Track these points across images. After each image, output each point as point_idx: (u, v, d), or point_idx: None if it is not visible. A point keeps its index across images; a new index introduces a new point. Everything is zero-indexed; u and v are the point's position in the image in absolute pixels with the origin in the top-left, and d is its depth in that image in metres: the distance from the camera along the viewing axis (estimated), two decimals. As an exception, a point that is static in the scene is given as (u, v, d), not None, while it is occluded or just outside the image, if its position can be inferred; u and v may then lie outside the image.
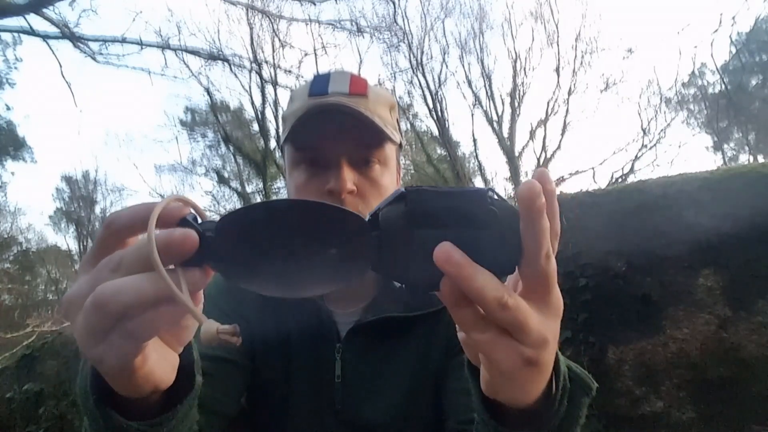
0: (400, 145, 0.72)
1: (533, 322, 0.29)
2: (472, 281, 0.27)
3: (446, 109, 10.78)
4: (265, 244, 0.28)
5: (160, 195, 14.47)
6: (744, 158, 12.42)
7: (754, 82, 11.64)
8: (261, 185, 11.60)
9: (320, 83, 0.64)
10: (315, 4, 8.59)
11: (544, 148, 11.29)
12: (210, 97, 11.37)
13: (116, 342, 0.28)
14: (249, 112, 11.84)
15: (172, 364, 0.33)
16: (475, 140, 11.49)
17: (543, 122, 11.36)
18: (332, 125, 0.61)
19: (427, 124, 11.82)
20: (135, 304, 0.27)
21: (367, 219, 0.29)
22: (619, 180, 10.35)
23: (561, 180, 11.11)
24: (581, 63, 11.12)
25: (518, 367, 0.29)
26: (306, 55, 10.67)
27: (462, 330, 0.30)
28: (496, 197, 0.28)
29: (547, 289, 0.30)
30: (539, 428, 0.35)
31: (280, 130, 0.72)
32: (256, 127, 11.71)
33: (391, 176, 0.67)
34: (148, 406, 0.35)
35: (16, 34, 8.52)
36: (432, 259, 0.27)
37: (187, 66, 9.68)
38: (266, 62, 10.38)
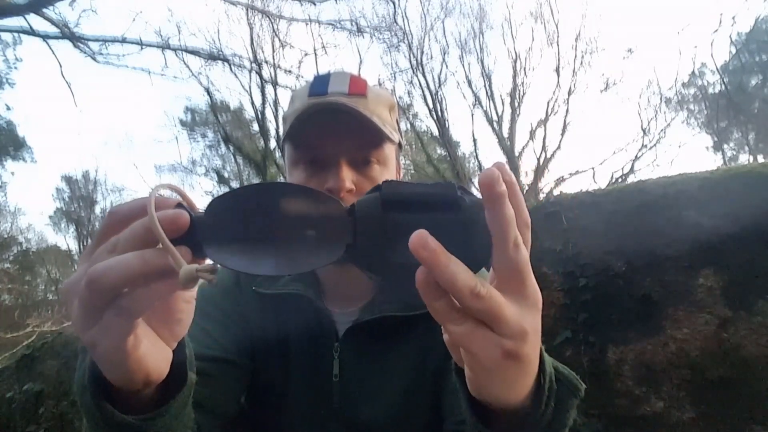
0: (400, 146, 0.72)
1: (509, 313, 0.29)
2: (446, 268, 0.27)
3: (446, 109, 10.78)
4: (249, 225, 0.29)
5: (161, 195, 14.40)
6: (744, 158, 12.42)
7: (754, 82, 11.63)
8: (261, 185, 11.56)
9: (320, 83, 0.65)
10: (315, 4, 8.58)
11: (544, 148, 11.29)
12: (210, 97, 11.37)
13: (110, 320, 0.29)
14: (249, 112, 11.84)
15: (165, 357, 0.34)
16: (475, 140, 11.50)
17: (543, 122, 11.35)
18: (331, 124, 0.61)
19: (427, 124, 11.83)
20: (125, 279, 0.28)
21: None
22: (619, 180, 10.35)
23: (561, 180, 11.11)
24: (581, 63, 11.12)
25: (498, 359, 0.29)
26: (306, 55, 10.68)
27: (438, 321, 0.30)
28: (463, 192, 0.30)
29: (521, 280, 0.30)
30: (526, 431, 0.35)
31: (281, 130, 0.72)
32: (256, 127, 11.70)
33: (390, 176, 0.67)
34: (143, 403, 0.35)
35: (16, 34, 8.52)
36: (404, 243, 0.27)
37: (187, 66, 9.68)
38: (266, 62, 10.38)
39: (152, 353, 0.32)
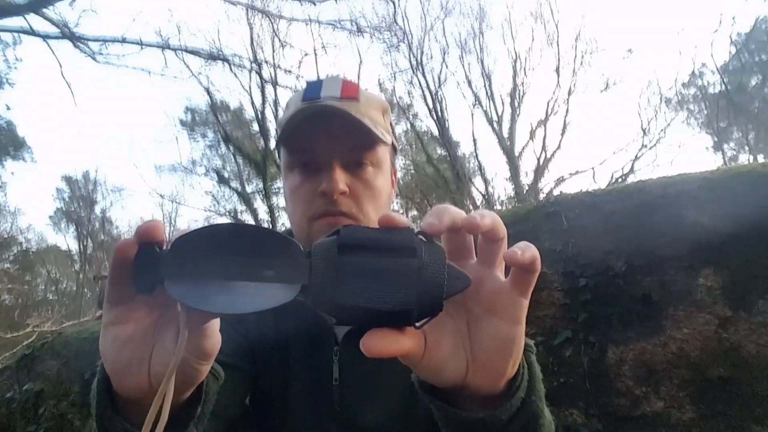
0: (395, 148, 0.72)
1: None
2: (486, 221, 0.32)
3: (446, 109, 10.79)
4: (210, 263, 0.30)
5: (161, 195, 14.48)
6: (744, 158, 12.41)
7: (754, 82, 11.62)
8: (261, 185, 11.60)
9: (313, 89, 0.65)
10: (315, 4, 8.57)
11: (544, 148, 11.29)
12: (210, 97, 11.39)
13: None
14: (249, 112, 11.86)
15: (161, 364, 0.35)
16: (475, 140, 11.49)
17: (543, 122, 11.36)
18: (323, 127, 0.62)
19: (427, 124, 11.82)
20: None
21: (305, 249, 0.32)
22: (619, 180, 10.35)
23: (561, 180, 11.11)
24: (581, 63, 11.13)
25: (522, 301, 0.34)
26: (306, 55, 10.70)
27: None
28: (423, 238, 0.31)
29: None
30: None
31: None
32: (256, 127, 11.71)
33: (384, 178, 0.67)
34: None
35: (16, 34, 8.52)
36: (355, 285, 0.29)
37: (187, 66, 9.70)
38: (266, 62, 10.38)
39: (135, 364, 0.34)
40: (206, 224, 0.31)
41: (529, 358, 0.41)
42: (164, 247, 0.31)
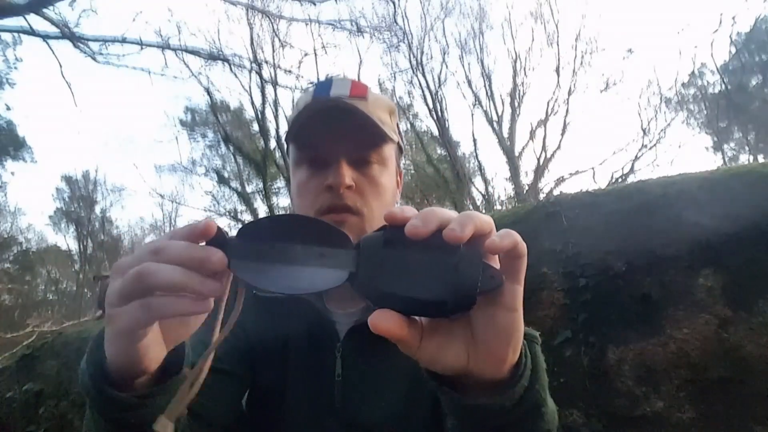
0: (401, 149, 0.73)
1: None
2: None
3: (446, 109, 10.80)
4: (272, 248, 0.34)
5: (161, 195, 14.49)
6: (744, 158, 12.41)
7: (754, 82, 11.63)
8: (261, 185, 11.60)
9: (322, 87, 0.66)
10: (315, 4, 8.56)
11: (544, 148, 11.30)
12: (210, 97, 11.39)
13: (134, 309, 0.34)
14: (249, 112, 11.85)
15: (162, 352, 0.39)
16: (475, 140, 11.51)
17: (543, 122, 11.37)
18: (331, 124, 0.63)
19: (427, 124, 11.85)
20: (165, 286, 0.33)
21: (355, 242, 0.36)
22: (619, 180, 10.35)
23: (561, 180, 11.11)
24: (581, 63, 11.14)
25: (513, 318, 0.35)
26: (306, 55, 10.69)
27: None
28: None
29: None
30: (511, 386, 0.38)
31: (281, 130, 0.74)
32: (256, 127, 11.70)
33: (390, 177, 0.68)
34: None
35: (16, 34, 8.52)
36: (397, 276, 0.32)
37: (187, 66, 9.69)
38: (266, 62, 10.37)
39: (155, 347, 0.37)
40: (265, 216, 0.35)
41: (534, 349, 0.42)
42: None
